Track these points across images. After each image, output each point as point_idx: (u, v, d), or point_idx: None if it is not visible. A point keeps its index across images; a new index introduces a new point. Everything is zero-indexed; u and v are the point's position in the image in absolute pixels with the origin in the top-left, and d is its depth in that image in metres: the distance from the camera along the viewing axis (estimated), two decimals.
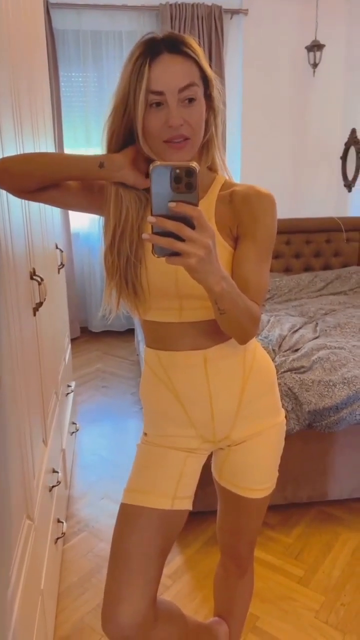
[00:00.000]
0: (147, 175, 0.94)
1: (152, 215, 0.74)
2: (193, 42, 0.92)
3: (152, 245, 0.76)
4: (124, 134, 0.94)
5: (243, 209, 0.97)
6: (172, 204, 0.73)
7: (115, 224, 0.97)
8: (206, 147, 1.00)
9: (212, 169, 1.04)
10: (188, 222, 0.74)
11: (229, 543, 1.24)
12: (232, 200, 0.98)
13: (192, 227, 0.74)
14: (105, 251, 1.00)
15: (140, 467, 1.10)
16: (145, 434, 1.15)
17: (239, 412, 1.07)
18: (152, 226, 0.75)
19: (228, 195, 0.99)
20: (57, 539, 1.68)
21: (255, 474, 1.12)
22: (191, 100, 0.90)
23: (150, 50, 0.88)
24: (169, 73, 0.87)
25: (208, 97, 0.96)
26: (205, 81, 0.94)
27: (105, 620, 0.98)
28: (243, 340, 0.97)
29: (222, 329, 0.94)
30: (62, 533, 1.77)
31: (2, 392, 1.01)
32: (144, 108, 0.88)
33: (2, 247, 1.07)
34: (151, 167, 0.75)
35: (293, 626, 1.62)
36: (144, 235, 0.75)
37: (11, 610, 0.99)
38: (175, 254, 0.75)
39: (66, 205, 1.06)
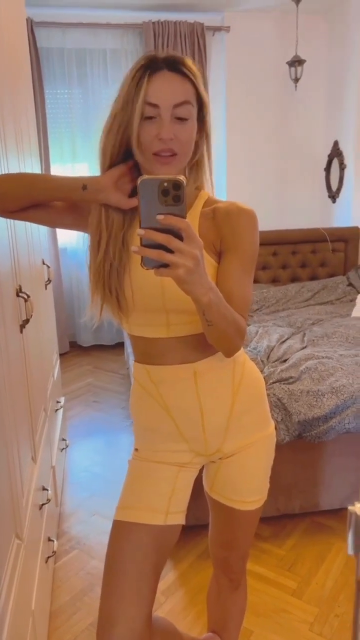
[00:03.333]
0: (132, 193, 0.97)
1: (140, 227, 0.75)
2: (192, 65, 0.95)
3: (142, 257, 0.76)
4: (119, 145, 0.95)
5: (225, 224, 0.99)
6: (161, 217, 0.74)
7: (99, 237, 0.99)
8: (195, 169, 1.03)
9: (198, 187, 1.06)
10: (176, 234, 0.75)
11: (222, 556, 1.24)
12: (215, 217, 1.00)
13: (181, 238, 0.75)
14: (90, 263, 1.01)
15: (132, 483, 1.09)
16: (136, 449, 1.14)
17: (230, 424, 1.07)
18: (140, 239, 0.76)
19: (211, 212, 1.01)
20: (48, 557, 1.66)
21: (247, 486, 1.12)
22: (184, 119, 0.93)
23: (151, 65, 0.92)
24: (166, 88, 0.91)
25: (201, 120, 0.98)
26: (200, 104, 0.97)
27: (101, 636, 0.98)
28: (230, 352, 0.97)
29: (209, 341, 0.95)
30: (53, 552, 1.75)
31: None
32: (139, 118, 0.91)
33: None
34: (139, 180, 0.76)
35: (287, 639, 1.61)
36: (133, 248, 0.76)
37: (0, 632, 0.97)
38: (164, 265, 0.76)
39: (52, 223, 1.07)
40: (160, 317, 1.01)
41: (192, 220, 1.01)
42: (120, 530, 1.04)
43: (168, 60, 0.92)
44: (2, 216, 1.02)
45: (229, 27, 3.96)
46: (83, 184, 0.94)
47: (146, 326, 1.03)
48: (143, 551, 1.01)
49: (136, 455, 1.13)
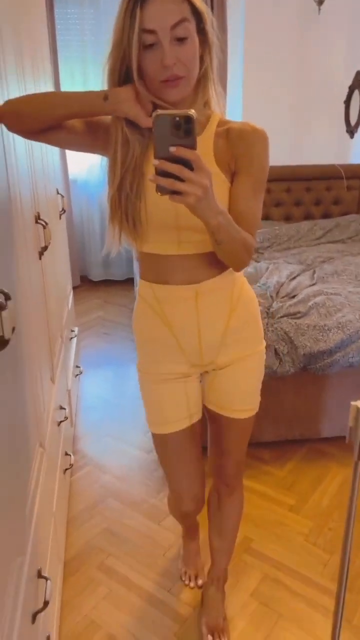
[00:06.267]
0: (149, 115, 0.98)
1: (155, 158, 0.81)
2: None
3: (157, 185, 0.83)
4: (125, 74, 0.96)
5: (239, 144, 1.03)
6: (173, 149, 0.80)
7: (121, 162, 1.02)
8: (202, 82, 1.03)
9: (207, 102, 1.07)
10: (187, 164, 0.81)
11: (218, 463, 1.35)
12: (229, 136, 1.04)
13: (191, 168, 0.81)
14: (110, 188, 1.05)
15: (152, 405, 1.25)
16: (139, 370, 1.25)
17: (224, 340, 1.17)
18: (155, 168, 0.82)
19: (224, 132, 1.05)
20: (66, 469, 1.80)
21: (239, 396, 1.23)
22: (184, 38, 0.92)
23: None
24: (160, 11, 0.89)
25: (201, 31, 0.97)
26: (198, 16, 0.95)
27: (174, 507, 1.48)
28: (238, 267, 1.07)
29: (219, 257, 1.04)
30: (70, 464, 1.89)
31: (17, 332, 1.07)
32: (137, 48, 0.91)
33: (10, 191, 1.10)
34: (153, 115, 0.81)
35: (284, 548, 1.77)
36: (150, 177, 0.83)
37: (30, 523, 1.09)
38: (177, 193, 0.83)
39: (71, 145, 1.09)
40: (171, 234, 1.07)
41: (207, 141, 1.04)
42: (160, 439, 1.27)
43: None
44: (29, 137, 1.04)
45: None
46: (105, 94, 0.96)
47: (158, 242, 1.09)
48: (183, 447, 1.26)
49: (144, 378, 1.24)
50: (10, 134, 1.09)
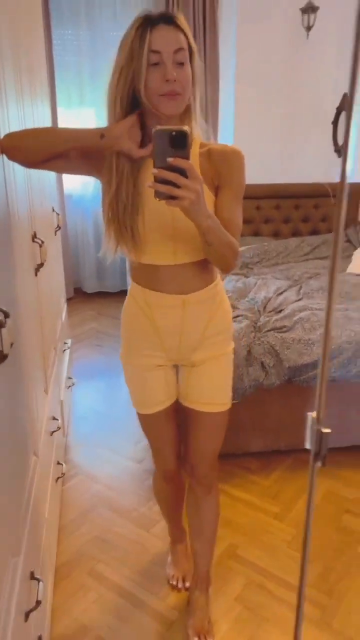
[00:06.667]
0: (141, 144, 1.12)
1: (154, 167, 0.96)
2: (183, 19, 1.11)
3: (155, 191, 0.98)
4: (127, 95, 1.10)
5: (221, 163, 1.18)
6: (170, 159, 0.95)
7: (113, 182, 1.14)
8: (187, 111, 1.17)
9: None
10: (182, 172, 0.96)
11: (192, 463, 1.44)
12: (211, 157, 1.19)
13: (186, 176, 0.96)
14: (105, 204, 1.17)
15: (136, 388, 1.40)
16: (122, 360, 1.40)
17: (201, 343, 1.32)
18: (154, 176, 0.97)
19: (206, 153, 1.20)
20: (58, 478, 1.86)
21: (210, 390, 1.35)
22: (182, 63, 1.09)
23: (149, 21, 1.07)
24: (165, 38, 1.07)
25: (191, 65, 1.12)
26: (190, 51, 1.11)
27: (159, 469, 1.53)
28: (227, 268, 1.20)
29: (210, 259, 1.18)
30: (62, 473, 1.95)
31: (14, 346, 1.15)
32: (146, 65, 1.07)
33: (9, 210, 1.18)
34: (154, 130, 0.97)
35: (268, 554, 1.83)
36: (149, 184, 0.98)
37: (24, 527, 1.16)
38: (173, 198, 0.97)
39: (69, 171, 1.22)
40: (168, 245, 1.20)
41: (194, 161, 1.17)
42: (145, 418, 1.42)
43: (163, 16, 1.09)
44: (30, 167, 1.16)
45: None
46: (101, 133, 1.08)
47: (156, 253, 1.21)
48: (165, 421, 1.42)
49: (128, 367, 1.39)
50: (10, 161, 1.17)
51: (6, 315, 0.94)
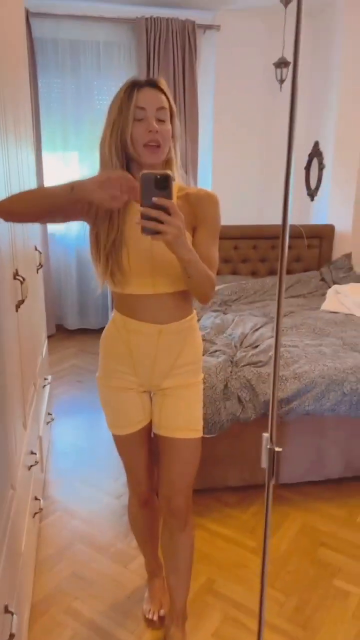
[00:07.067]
0: (114, 199, 1.21)
1: (141, 206, 1.08)
2: (165, 83, 1.28)
3: (142, 227, 1.09)
4: (117, 146, 1.25)
5: (198, 205, 1.32)
6: (155, 199, 1.07)
7: (97, 226, 1.28)
8: (168, 162, 1.32)
9: None
10: (165, 211, 1.08)
11: (167, 495, 1.47)
12: (188, 200, 1.32)
13: (169, 214, 1.08)
14: (92, 245, 1.32)
15: (111, 410, 1.48)
16: (98, 381, 1.48)
17: (172, 371, 1.40)
18: (141, 214, 1.08)
19: (184, 196, 1.32)
20: (35, 513, 1.86)
21: (182, 417, 1.41)
22: (163, 120, 1.25)
23: (137, 84, 1.25)
24: (149, 97, 1.24)
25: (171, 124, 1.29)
26: (171, 112, 1.28)
27: (134, 492, 1.58)
28: (204, 299, 1.31)
29: (189, 289, 1.31)
30: (40, 509, 1.95)
31: None
32: (132, 119, 1.23)
33: None
34: (141, 174, 1.09)
35: (245, 589, 1.84)
36: (136, 220, 1.09)
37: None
38: (157, 233, 1.09)
39: (72, 220, 1.33)
40: (147, 279, 1.32)
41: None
42: (120, 439, 1.49)
43: (148, 81, 1.26)
44: (24, 223, 1.26)
45: (219, 25, 4.11)
46: (71, 187, 1.16)
47: (137, 285, 1.33)
48: (139, 443, 1.49)
49: (104, 390, 1.48)
50: None
51: None
